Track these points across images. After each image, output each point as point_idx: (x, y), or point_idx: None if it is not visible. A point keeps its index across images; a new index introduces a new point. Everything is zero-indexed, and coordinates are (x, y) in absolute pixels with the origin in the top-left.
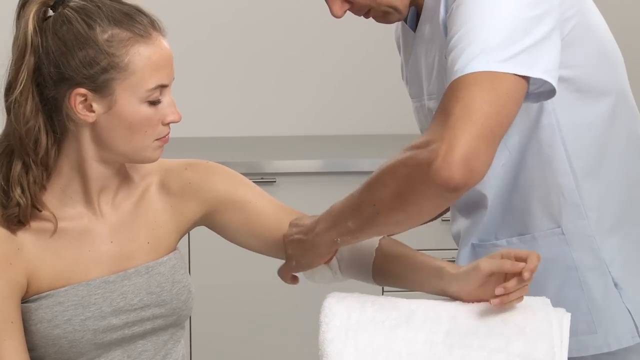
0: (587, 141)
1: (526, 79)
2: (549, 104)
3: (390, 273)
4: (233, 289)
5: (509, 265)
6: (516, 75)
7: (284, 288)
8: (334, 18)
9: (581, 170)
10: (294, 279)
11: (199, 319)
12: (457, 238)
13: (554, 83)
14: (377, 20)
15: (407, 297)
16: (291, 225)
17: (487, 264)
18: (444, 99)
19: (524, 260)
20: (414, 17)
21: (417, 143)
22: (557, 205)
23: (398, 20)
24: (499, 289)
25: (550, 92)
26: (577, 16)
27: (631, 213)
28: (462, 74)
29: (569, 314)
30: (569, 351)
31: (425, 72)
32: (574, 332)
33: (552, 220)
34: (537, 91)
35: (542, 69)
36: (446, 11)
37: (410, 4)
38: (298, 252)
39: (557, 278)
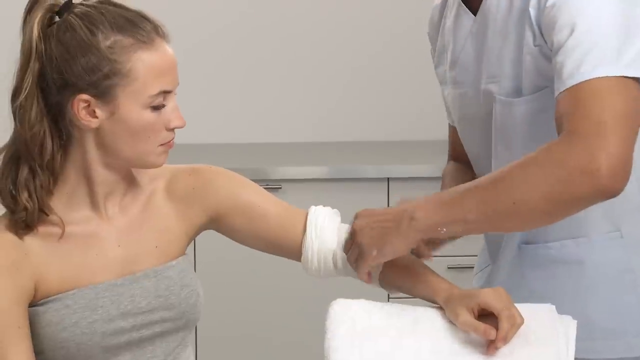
0: None
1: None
2: None
3: (391, 281)
4: (239, 292)
5: (481, 332)
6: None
7: (290, 292)
8: (339, 23)
9: None
10: (371, 277)
11: (204, 322)
12: (494, 237)
13: None
14: None
15: (413, 304)
16: (360, 216)
17: (465, 321)
18: (578, 105)
19: (498, 314)
20: (470, 1)
21: (564, 144)
22: (619, 209)
23: None
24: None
25: None
26: None
27: None
28: (591, 78)
29: (575, 322)
30: (616, 352)
31: (489, 56)
32: (622, 334)
33: (611, 224)
34: None
35: None
36: (538, 2)
37: None
38: (379, 241)
39: (610, 281)
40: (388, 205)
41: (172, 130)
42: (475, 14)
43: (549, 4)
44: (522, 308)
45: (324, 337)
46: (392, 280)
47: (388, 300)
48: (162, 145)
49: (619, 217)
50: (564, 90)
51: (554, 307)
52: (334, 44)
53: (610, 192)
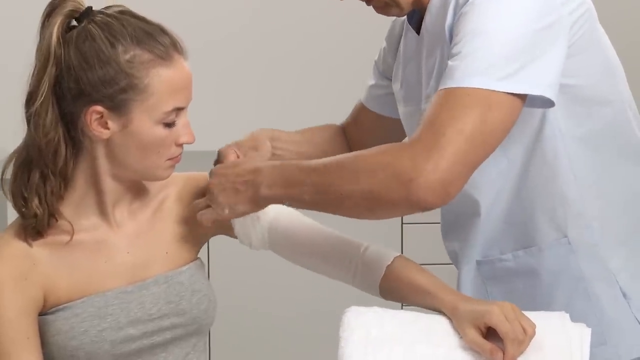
0: (589, 151)
1: (525, 94)
2: (550, 113)
3: (395, 294)
4: (253, 297)
5: (487, 352)
6: (514, 93)
7: (304, 298)
8: (353, 27)
9: (584, 179)
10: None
11: (218, 327)
12: (453, 255)
13: (554, 98)
14: (377, 11)
15: (426, 312)
16: (215, 174)
17: (472, 339)
18: (437, 109)
19: (503, 337)
20: (417, 19)
21: (400, 148)
22: (563, 215)
23: (397, 16)
24: None
25: (547, 101)
26: (585, 25)
27: (638, 227)
28: (460, 86)
29: (589, 329)
30: None
31: (425, 75)
32: None
33: (558, 231)
34: (534, 98)
35: (543, 84)
36: (454, 17)
37: (415, 6)
38: (232, 200)
39: (565, 290)
40: None
41: (181, 145)
42: (419, 33)
43: (455, 19)
44: (535, 316)
45: (338, 344)
46: (397, 294)
47: (402, 308)
48: (169, 159)
49: (564, 224)
50: (438, 91)
51: (567, 315)
52: (351, 47)
53: (421, 206)
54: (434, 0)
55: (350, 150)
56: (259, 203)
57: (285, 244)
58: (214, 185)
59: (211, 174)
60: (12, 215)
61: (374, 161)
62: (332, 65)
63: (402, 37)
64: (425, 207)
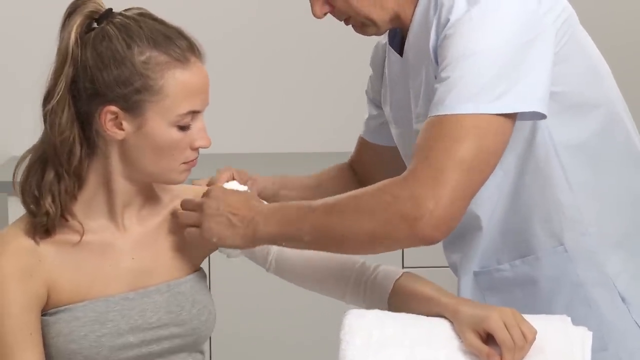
0: (581, 156)
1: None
2: (541, 121)
3: (399, 307)
4: (255, 309)
5: (484, 356)
6: (506, 113)
7: (305, 304)
8: (349, 31)
9: (579, 185)
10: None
11: (220, 340)
12: (453, 267)
13: (545, 111)
14: (356, 30)
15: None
16: (213, 196)
17: (471, 342)
18: (430, 140)
19: (500, 345)
20: (399, 40)
21: (399, 186)
22: (558, 223)
23: (375, 35)
24: None
25: (538, 114)
26: (569, 31)
27: (636, 229)
28: (451, 113)
29: (591, 333)
30: None
31: (413, 96)
32: None
33: (554, 239)
34: (524, 113)
35: (534, 99)
36: (437, 37)
37: (394, 25)
38: (223, 232)
39: (564, 296)
40: None
41: (197, 149)
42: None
43: (439, 40)
44: (536, 319)
45: (339, 347)
46: (400, 306)
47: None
48: (185, 163)
49: (560, 232)
50: (429, 118)
51: (569, 318)
52: (351, 48)
53: (427, 241)
54: (415, 21)
55: (361, 186)
56: (253, 242)
57: (293, 270)
58: (208, 208)
59: (207, 194)
60: (12, 212)
61: (374, 201)
62: (332, 65)
63: (386, 60)
64: (429, 243)
